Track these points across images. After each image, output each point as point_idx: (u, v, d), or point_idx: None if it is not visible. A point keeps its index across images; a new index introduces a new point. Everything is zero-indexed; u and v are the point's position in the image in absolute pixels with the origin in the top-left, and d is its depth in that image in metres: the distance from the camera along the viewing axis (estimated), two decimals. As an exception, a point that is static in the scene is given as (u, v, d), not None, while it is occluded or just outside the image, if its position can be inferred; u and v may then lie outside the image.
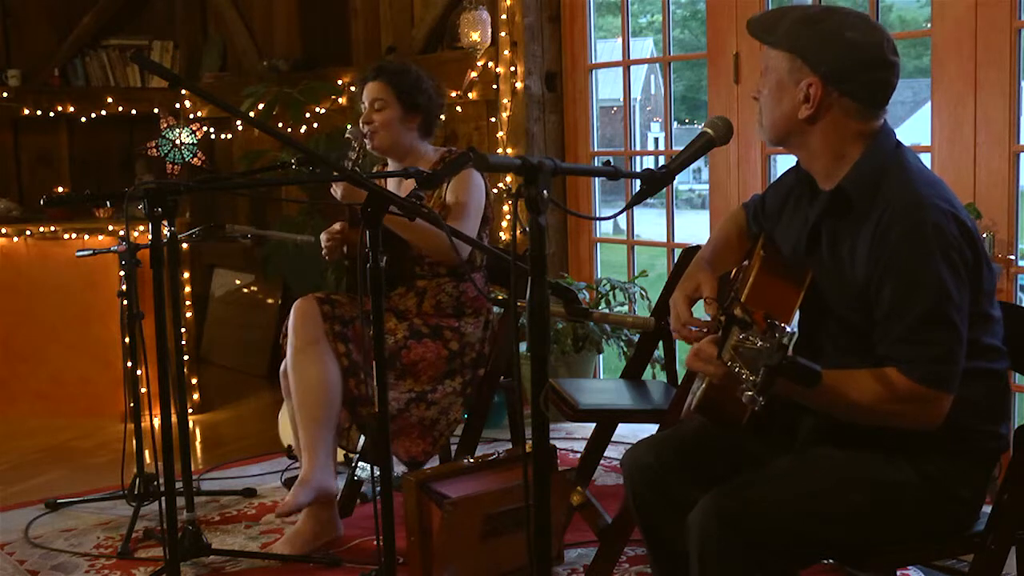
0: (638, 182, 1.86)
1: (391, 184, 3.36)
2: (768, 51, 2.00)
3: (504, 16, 4.68)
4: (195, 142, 5.59)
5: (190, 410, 4.71)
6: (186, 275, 4.93)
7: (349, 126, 3.30)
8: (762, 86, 2.02)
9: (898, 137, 2.02)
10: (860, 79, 1.94)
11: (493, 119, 4.80)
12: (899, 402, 1.84)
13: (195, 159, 5.61)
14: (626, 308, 4.54)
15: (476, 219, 3.19)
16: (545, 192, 1.64)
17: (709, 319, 2.13)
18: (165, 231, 2.66)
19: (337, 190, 3.17)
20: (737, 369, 1.63)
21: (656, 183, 1.85)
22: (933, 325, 1.84)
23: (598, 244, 4.96)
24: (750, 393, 1.59)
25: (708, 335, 1.87)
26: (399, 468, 3.22)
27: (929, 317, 1.84)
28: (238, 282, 6.04)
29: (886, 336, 1.88)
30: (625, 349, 4.39)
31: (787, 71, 1.95)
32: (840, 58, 1.92)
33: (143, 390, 3.18)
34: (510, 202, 4.59)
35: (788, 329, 1.55)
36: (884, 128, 1.99)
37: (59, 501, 3.65)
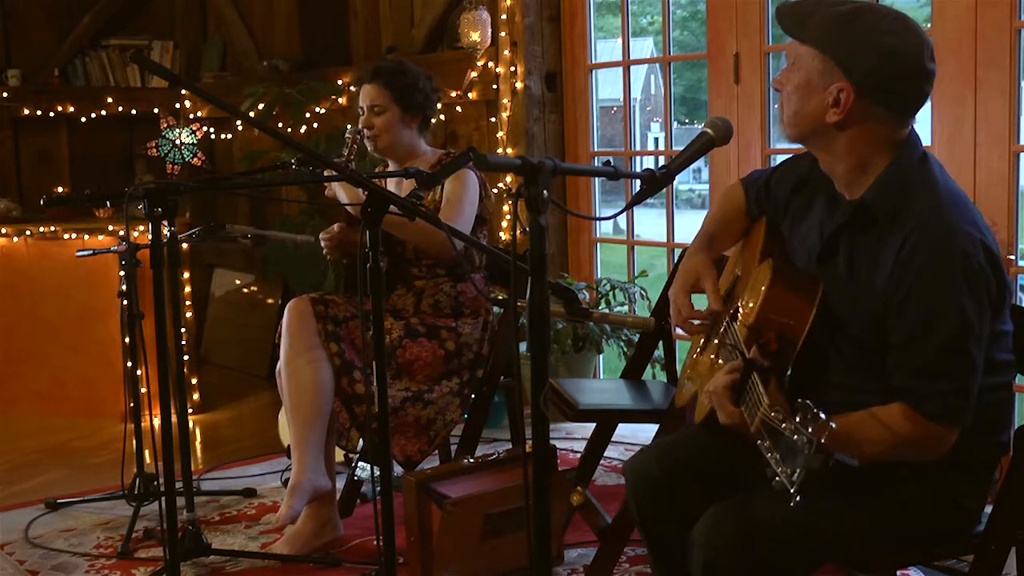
0: (638, 182, 1.85)
1: (391, 185, 3.36)
2: (797, 44, 1.90)
3: (504, 16, 4.68)
4: (195, 142, 5.59)
5: (190, 410, 4.71)
6: (186, 275, 4.93)
7: (349, 126, 3.30)
8: (787, 80, 1.92)
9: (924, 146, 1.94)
10: (896, 89, 1.84)
11: (493, 119, 4.80)
12: (908, 441, 1.80)
13: (195, 159, 5.61)
14: (626, 308, 4.54)
15: (471, 208, 3.19)
16: (545, 192, 1.64)
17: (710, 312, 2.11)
18: (165, 231, 2.66)
19: (340, 192, 3.17)
20: (768, 452, 1.57)
21: (656, 183, 1.83)
22: (952, 357, 1.78)
23: (598, 244, 4.96)
24: (779, 479, 1.53)
25: (728, 369, 1.82)
26: (398, 468, 3.22)
27: (948, 349, 1.78)
28: (238, 282, 6.04)
29: (902, 365, 1.82)
30: (625, 349, 4.39)
31: (818, 71, 1.86)
32: (877, 66, 1.82)
33: (143, 390, 3.18)
34: (510, 202, 4.59)
35: (821, 417, 1.48)
36: (911, 138, 1.91)
37: (59, 501, 3.65)
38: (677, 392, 2.24)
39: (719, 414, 1.80)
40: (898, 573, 2.70)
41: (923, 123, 3.63)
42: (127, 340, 3.61)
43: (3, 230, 4.92)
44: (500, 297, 3.58)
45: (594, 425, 3.10)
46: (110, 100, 5.94)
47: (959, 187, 1.94)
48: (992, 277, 1.82)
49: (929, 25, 3.55)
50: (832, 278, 1.94)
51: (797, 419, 1.51)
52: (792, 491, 1.51)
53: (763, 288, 1.89)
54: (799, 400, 1.53)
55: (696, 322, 2.12)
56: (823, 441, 1.47)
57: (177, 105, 5.99)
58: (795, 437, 1.51)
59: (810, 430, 1.49)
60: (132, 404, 3.49)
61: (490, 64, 4.75)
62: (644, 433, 3.81)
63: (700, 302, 2.14)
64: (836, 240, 1.95)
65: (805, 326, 1.85)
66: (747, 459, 2.05)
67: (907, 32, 1.84)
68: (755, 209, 2.21)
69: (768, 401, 1.61)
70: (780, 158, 4.14)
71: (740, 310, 1.98)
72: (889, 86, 1.84)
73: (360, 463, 3.43)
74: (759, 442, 1.60)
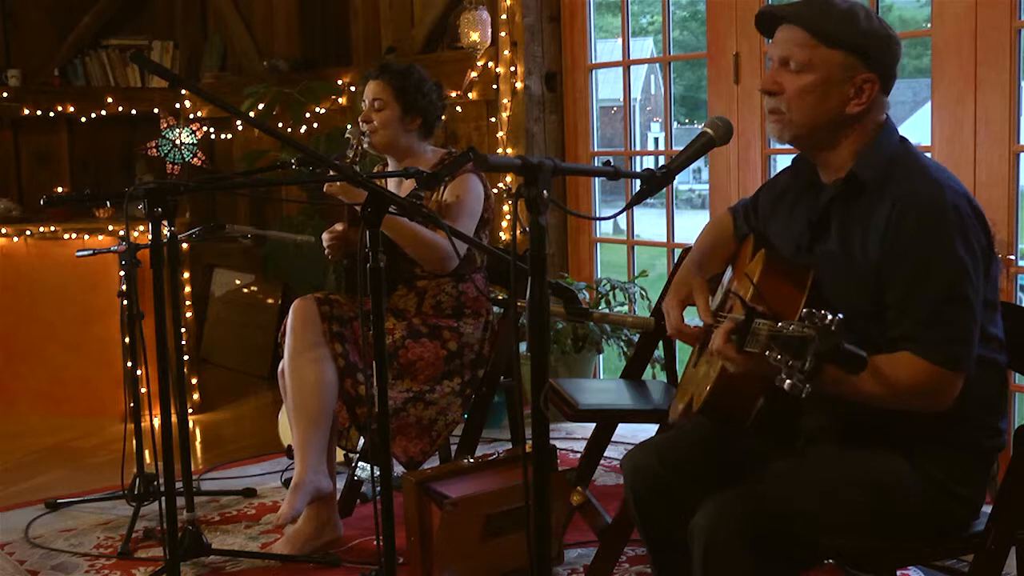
0: (638, 182, 1.86)
1: (391, 185, 3.36)
2: (812, 44, 1.94)
3: (504, 16, 4.68)
4: (195, 142, 5.60)
5: (190, 410, 4.71)
6: (186, 275, 4.93)
7: (349, 126, 3.30)
8: (787, 81, 1.98)
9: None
10: (895, 73, 1.99)
11: (493, 119, 4.80)
12: (916, 387, 1.84)
13: (195, 159, 5.62)
14: (626, 308, 4.54)
15: (471, 220, 3.19)
16: (545, 192, 1.64)
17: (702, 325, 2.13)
18: (165, 231, 2.66)
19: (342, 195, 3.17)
20: (778, 357, 1.60)
21: (656, 183, 1.85)
22: (952, 304, 1.84)
23: (598, 244, 4.96)
24: (791, 381, 1.57)
25: (727, 323, 1.82)
26: (398, 468, 3.23)
27: (949, 296, 1.84)
28: (238, 282, 6.04)
29: (903, 316, 1.87)
30: (625, 349, 4.39)
31: (841, 66, 1.94)
32: (888, 54, 1.96)
33: (143, 390, 3.18)
34: (510, 202, 4.59)
35: (830, 316, 1.53)
36: (890, 122, 2.02)
37: (59, 501, 3.65)
38: (672, 408, 2.23)
39: (728, 366, 1.80)
40: (898, 573, 2.70)
41: (923, 123, 3.64)
42: (127, 340, 3.60)
43: (3, 230, 4.92)
44: (500, 297, 3.58)
45: (594, 425, 3.11)
46: (110, 100, 5.94)
47: (938, 162, 2.05)
48: (981, 231, 1.90)
49: (929, 25, 3.55)
50: (825, 259, 1.99)
51: (805, 322, 1.56)
52: (803, 381, 1.55)
53: (756, 275, 1.92)
54: (804, 309, 1.58)
55: (689, 331, 2.13)
56: (834, 328, 1.52)
57: (177, 105, 6.00)
58: (804, 330, 1.56)
59: (819, 323, 1.54)
60: (132, 404, 3.48)
61: (490, 64, 4.75)
62: (644, 433, 3.81)
63: (693, 315, 2.15)
64: (826, 218, 2.01)
65: (798, 310, 1.87)
66: (745, 451, 2.07)
67: (882, 19, 1.99)
68: (744, 228, 2.27)
69: (771, 323, 1.65)
70: (780, 158, 4.16)
71: (735, 303, 2.00)
72: (893, 71, 1.98)
73: (360, 463, 3.43)
74: (767, 353, 1.62)
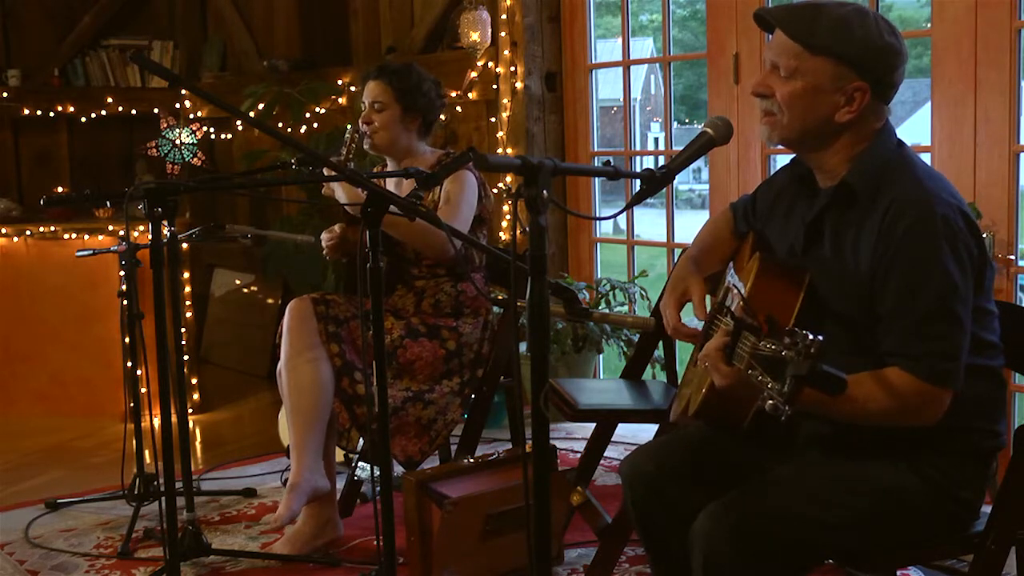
0: (638, 182, 1.85)
1: (391, 186, 3.36)
2: (798, 51, 1.93)
3: (504, 16, 4.68)
4: (195, 142, 5.59)
5: (190, 410, 4.71)
6: (186, 275, 4.93)
7: (349, 126, 3.30)
8: (779, 86, 1.97)
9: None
10: (892, 81, 1.96)
11: (493, 119, 4.80)
12: (904, 404, 1.83)
13: (195, 159, 5.61)
14: (626, 308, 4.54)
15: (468, 209, 3.19)
16: (545, 192, 1.64)
17: (700, 325, 2.13)
18: (165, 231, 2.66)
19: (339, 192, 3.17)
20: (758, 377, 1.59)
21: (656, 183, 1.84)
22: (940, 319, 1.83)
23: (598, 244, 4.96)
24: (772, 402, 1.56)
25: (720, 334, 1.82)
26: (398, 468, 3.23)
27: (936, 311, 1.83)
28: (238, 282, 6.04)
29: (891, 330, 1.87)
30: (625, 349, 4.39)
31: (830, 75, 1.92)
32: (884, 64, 1.93)
33: (143, 390, 3.18)
34: (510, 202, 4.59)
35: (811, 337, 1.52)
36: (888, 126, 2.00)
37: (59, 501, 3.65)
38: (673, 408, 2.24)
39: (715, 377, 1.80)
40: (898, 573, 2.70)
41: (923, 123, 3.64)
42: (127, 340, 3.60)
43: (3, 230, 4.92)
44: (500, 297, 3.58)
45: (594, 425, 3.11)
46: (110, 100, 5.93)
47: (935, 169, 2.03)
48: (972, 242, 1.89)
49: (929, 25, 3.55)
50: (819, 264, 1.98)
51: (786, 340, 1.55)
52: (783, 404, 1.54)
53: (749, 282, 1.92)
54: (787, 327, 1.57)
55: (686, 330, 2.13)
56: (812, 351, 1.51)
57: (177, 105, 5.99)
58: (783, 352, 1.55)
59: (799, 344, 1.53)
60: (132, 404, 3.48)
61: (490, 64, 4.75)
62: (644, 433, 3.81)
63: (689, 315, 2.16)
64: (820, 224, 2.01)
65: (793, 312, 1.87)
66: (743, 454, 2.07)
67: (892, 27, 1.97)
68: (743, 225, 2.27)
69: (755, 339, 1.64)
70: (779, 158, 4.16)
71: (732, 303, 2.00)
72: (890, 80, 1.95)
73: (360, 463, 3.43)
74: (749, 371, 1.62)
